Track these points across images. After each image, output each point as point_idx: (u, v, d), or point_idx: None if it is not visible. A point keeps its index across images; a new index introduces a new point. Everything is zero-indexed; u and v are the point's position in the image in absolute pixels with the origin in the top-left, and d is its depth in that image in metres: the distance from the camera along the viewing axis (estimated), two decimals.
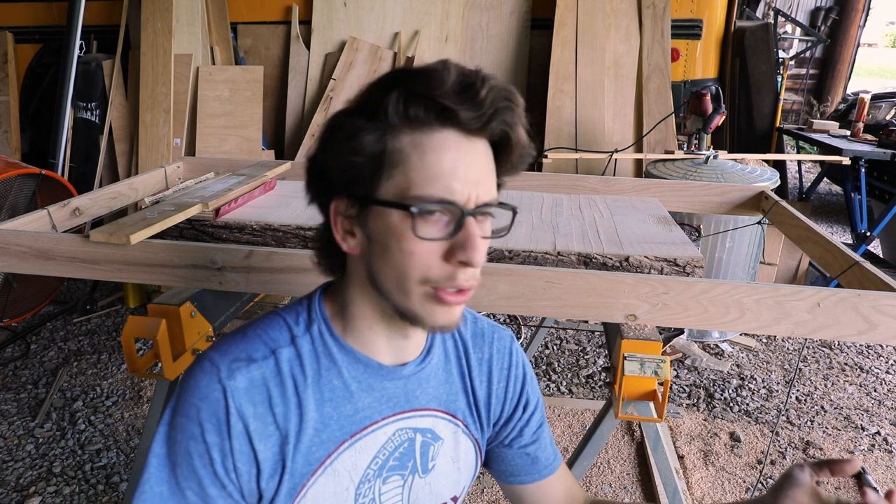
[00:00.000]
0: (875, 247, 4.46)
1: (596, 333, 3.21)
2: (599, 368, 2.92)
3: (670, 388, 1.87)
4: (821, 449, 2.34)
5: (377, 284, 0.66)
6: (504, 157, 0.65)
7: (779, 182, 2.91)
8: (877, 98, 5.85)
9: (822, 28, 8.56)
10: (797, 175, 6.23)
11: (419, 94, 0.59)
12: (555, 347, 3.11)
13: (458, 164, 0.60)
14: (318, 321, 0.71)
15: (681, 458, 2.29)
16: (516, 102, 0.62)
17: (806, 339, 3.13)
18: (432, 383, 0.77)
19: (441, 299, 0.63)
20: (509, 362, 0.84)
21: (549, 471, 0.87)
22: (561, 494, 0.89)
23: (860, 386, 2.81)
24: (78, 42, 3.75)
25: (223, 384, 0.64)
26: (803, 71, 8.70)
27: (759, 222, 1.79)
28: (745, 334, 3.22)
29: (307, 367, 0.68)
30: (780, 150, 4.48)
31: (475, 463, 0.84)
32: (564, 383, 2.79)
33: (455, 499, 0.82)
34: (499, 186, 0.68)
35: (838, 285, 1.22)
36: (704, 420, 2.52)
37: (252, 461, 0.65)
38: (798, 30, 7.53)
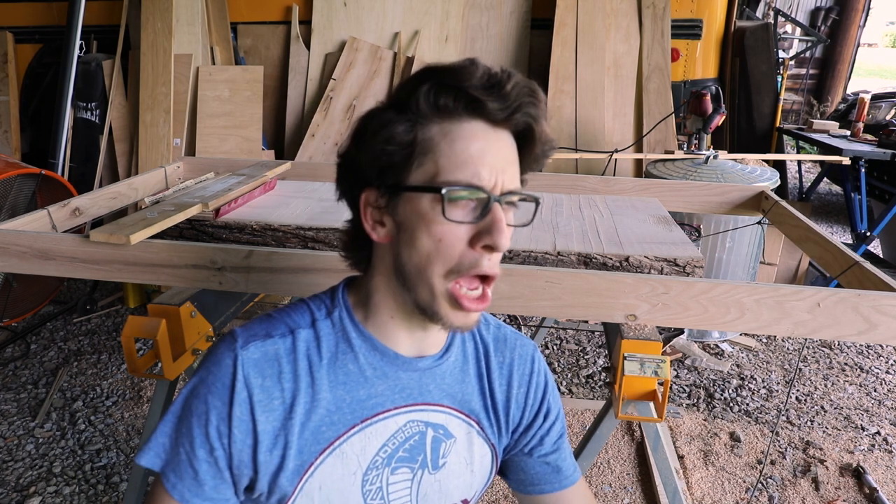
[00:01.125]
0: (875, 247, 4.46)
1: (596, 333, 3.21)
2: (599, 368, 2.92)
3: (670, 388, 1.87)
4: (821, 449, 2.34)
5: (402, 274, 0.67)
6: (527, 150, 0.68)
7: (779, 182, 2.91)
8: (877, 98, 5.85)
9: (822, 28, 8.57)
10: (797, 175, 6.23)
11: (449, 86, 0.62)
12: (555, 347, 3.11)
13: (485, 151, 0.63)
14: (340, 308, 0.73)
15: (681, 458, 2.29)
16: (539, 98, 0.65)
17: (806, 339, 3.13)
18: (447, 381, 0.77)
19: (461, 306, 0.65)
20: (531, 369, 0.85)
21: (570, 482, 0.87)
22: None
23: (860, 386, 2.81)
24: (78, 42, 3.75)
25: (236, 353, 0.68)
26: (803, 71, 8.70)
27: (759, 222, 1.79)
28: (745, 334, 3.22)
29: (324, 349, 0.71)
30: (780, 150, 4.48)
31: (490, 467, 0.83)
32: (564, 383, 2.79)
33: (466, 502, 0.81)
34: (521, 182, 0.71)
35: (838, 285, 1.22)
36: (704, 420, 2.52)
37: (250, 431, 0.67)
38: (798, 30, 7.53)
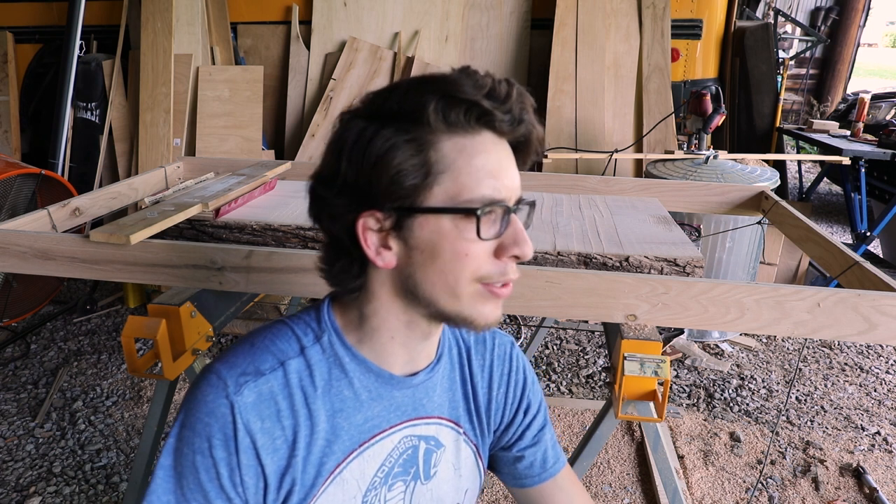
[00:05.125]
0: (875, 247, 4.46)
1: (596, 333, 3.21)
2: (599, 368, 2.92)
3: (670, 388, 1.86)
4: (821, 449, 2.34)
5: (417, 294, 0.65)
6: (523, 155, 0.67)
7: (779, 182, 2.91)
8: (877, 98, 5.85)
9: (822, 28, 8.56)
10: (797, 175, 6.23)
11: (460, 100, 0.60)
12: (555, 347, 3.11)
13: (500, 164, 0.63)
14: (329, 332, 0.70)
15: (681, 458, 2.29)
16: (531, 103, 0.65)
17: (806, 339, 3.13)
18: (438, 391, 0.77)
19: (493, 293, 0.65)
20: (509, 368, 0.85)
21: (550, 474, 0.87)
22: (564, 499, 0.88)
23: (860, 386, 2.81)
24: (78, 42, 3.75)
25: (231, 400, 0.64)
26: (803, 71, 8.70)
27: (759, 222, 1.79)
28: (745, 334, 3.22)
29: (317, 377, 0.68)
30: (780, 150, 4.48)
31: (476, 469, 0.84)
32: (564, 383, 2.79)
33: None
34: None
35: (838, 285, 1.22)
36: (704, 420, 2.52)
37: (259, 475, 0.65)
38: (798, 30, 7.53)
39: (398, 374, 0.72)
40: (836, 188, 6.45)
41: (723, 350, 3.09)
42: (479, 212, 0.60)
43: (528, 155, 0.67)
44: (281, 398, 0.66)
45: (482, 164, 0.61)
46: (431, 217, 0.62)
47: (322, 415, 0.68)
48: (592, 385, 2.79)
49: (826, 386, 2.81)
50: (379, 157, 0.60)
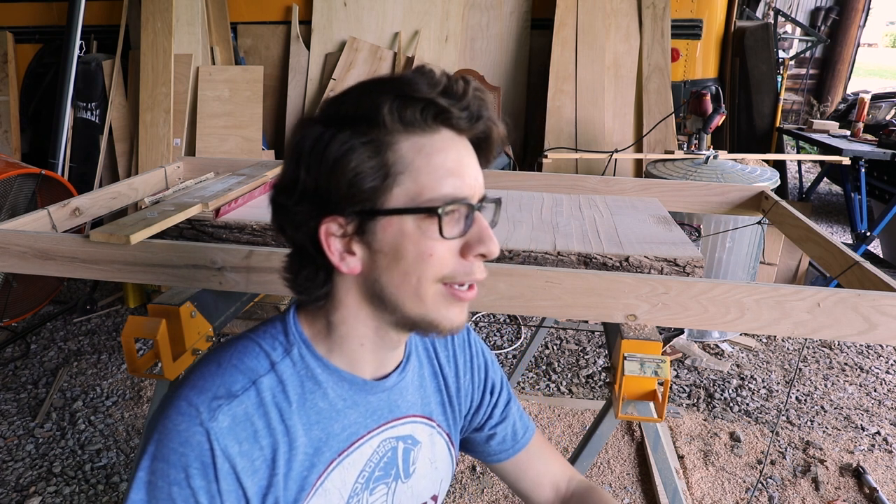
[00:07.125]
0: (875, 247, 4.46)
1: (596, 333, 3.21)
2: (599, 368, 2.92)
3: (670, 388, 1.87)
4: (821, 449, 2.34)
5: (383, 298, 0.64)
6: (485, 153, 0.67)
7: (779, 182, 2.91)
8: (877, 98, 5.85)
9: (822, 28, 8.57)
10: (797, 175, 6.23)
11: (413, 98, 0.59)
12: (555, 347, 3.11)
13: (460, 162, 0.62)
14: (298, 344, 0.68)
15: (681, 458, 2.29)
16: (490, 100, 0.64)
17: (806, 339, 3.13)
18: (410, 390, 0.78)
19: (456, 297, 0.64)
20: (470, 353, 0.88)
21: (522, 444, 0.91)
22: (541, 465, 0.92)
23: (860, 386, 2.81)
24: (78, 42, 3.75)
25: (206, 427, 0.61)
26: (803, 71, 8.70)
27: (759, 222, 1.79)
28: (745, 334, 3.22)
29: (290, 392, 0.66)
30: (780, 150, 4.49)
31: (450, 459, 0.86)
32: (564, 383, 2.79)
33: (435, 497, 0.84)
34: None
35: (838, 285, 1.22)
36: (704, 420, 2.52)
37: (241, 498, 0.63)
38: (798, 30, 7.54)
39: (370, 379, 0.72)
40: (836, 188, 6.45)
41: (723, 350, 3.09)
42: (440, 210, 0.59)
43: (489, 153, 0.67)
44: (256, 418, 0.64)
45: (442, 162, 0.60)
46: (394, 219, 0.61)
47: (299, 429, 0.66)
48: (592, 385, 2.79)
49: (826, 386, 2.81)
50: (336, 162, 0.59)
